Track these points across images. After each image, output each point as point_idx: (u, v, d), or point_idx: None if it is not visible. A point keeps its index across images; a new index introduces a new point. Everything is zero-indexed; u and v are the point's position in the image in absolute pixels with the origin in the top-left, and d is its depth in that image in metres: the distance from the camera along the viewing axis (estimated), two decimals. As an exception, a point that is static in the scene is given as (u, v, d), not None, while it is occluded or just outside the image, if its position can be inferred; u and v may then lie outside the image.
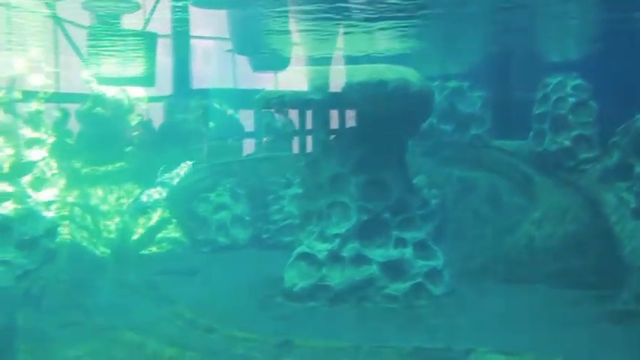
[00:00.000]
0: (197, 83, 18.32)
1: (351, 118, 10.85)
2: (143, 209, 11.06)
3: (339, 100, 10.58)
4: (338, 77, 10.51)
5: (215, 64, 20.69)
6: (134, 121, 15.41)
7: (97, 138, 14.42)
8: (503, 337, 8.23)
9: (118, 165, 14.68)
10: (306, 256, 10.60)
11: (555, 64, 13.70)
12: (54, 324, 8.99)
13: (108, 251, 12.78)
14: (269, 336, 8.57)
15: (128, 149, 15.19)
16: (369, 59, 14.55)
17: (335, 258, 10.36)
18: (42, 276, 10.59)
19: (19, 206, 11.12)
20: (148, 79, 14.32)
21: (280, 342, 8.40)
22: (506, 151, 13.92)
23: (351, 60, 14.95)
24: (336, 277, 10.25)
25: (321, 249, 10.49)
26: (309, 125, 11.49)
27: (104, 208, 13.95)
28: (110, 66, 13.72)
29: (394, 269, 10.30)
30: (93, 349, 8.15)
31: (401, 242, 10.51)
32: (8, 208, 10.98)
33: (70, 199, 12.90)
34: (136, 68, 13.80)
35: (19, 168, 11.61)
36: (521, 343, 7.74)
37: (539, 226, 11.65)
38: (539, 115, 12.88)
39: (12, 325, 8.87)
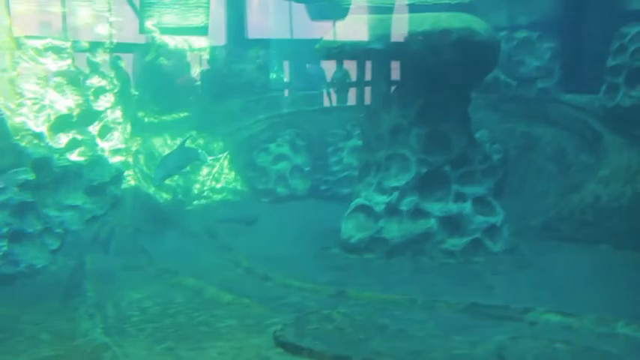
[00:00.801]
0: (255, 33, 18.12)
1: (412, 69, 10.48)
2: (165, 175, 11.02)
3: (400, 50, 10.22)
4: (400, 26, 10.13)
5: (273, 13, 20.36)
6: (196, 70, 15.49)
7: (160, 87, 14.57)
8: (562, 297, 7.91)
9: (180, 114, 14.85)
10: (363, 208, 10.49)
11: (634, 11, 12.79)
12: (119, 267, 9.33)
13: (169, 198, 13.04)
14: (324, 286, 8.63)
15: (190, 98, 15.33)
16: (433, 7, 13.98)
17: (393, 211, 10.20)
18: (109, 221, 10.93)
19: (88, 153, 11.46)
20: (204, 29, 14.31)
21: (335, 292, 8.43)
22: (574, 106, 13.22)
23: (413, 8, 14.42)
24: (393, 230, 10.12)
25: (379, 201, 10.35)
26: (369, 76, 11.21)
27: (167, 156, 14.20)
28: (171, 16, 13.76)
29: (452, 224, 10.08)
30: (155, 292, 8.39)
31: (460, 197, 10.23)
32: (78, 154, 11.33)
33: (134, 148, 13.16)
34: (194, 18, 13.78)
35: (87, 116, 11.91)
36: (581, 305, 7.45)
37: (607, 185, 11.10)
38: (613, 68, 12.05)
39: (82, 267, 9.24)
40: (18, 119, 10.63)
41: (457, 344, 6.62)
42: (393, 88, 10.89)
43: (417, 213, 10.15)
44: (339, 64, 15.73)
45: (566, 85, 13.67)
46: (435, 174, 10.31)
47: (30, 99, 10.88)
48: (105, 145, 12.30)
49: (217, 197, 14.04)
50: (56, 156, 10.75)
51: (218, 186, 14.36)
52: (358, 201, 10.65)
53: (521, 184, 13.18)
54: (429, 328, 7.10)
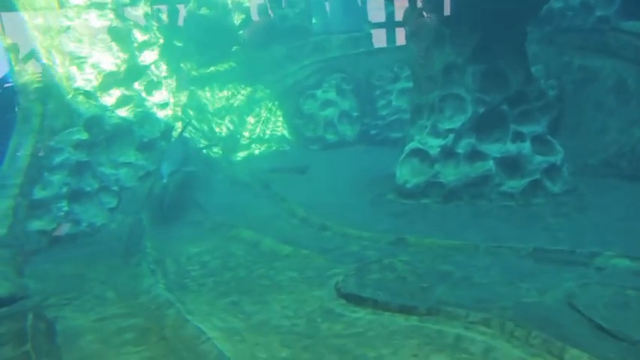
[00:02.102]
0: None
1: (466, 2, 9.85)
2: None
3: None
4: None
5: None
6: (239, 19, 15.10)
7: (203, 39, 14.28)
8: (627, 240, 7.45)
9: (225, 65, 14.58)
10: (418, 153, 10.13)
11: None
12: (175, 222, 9.31)
13: (220, 151, 12.94)
14: (382, 234, 8.41)
15: (234, 48, 15.01)
16: None
17: (448, 154, 9.82)
18: (162, 176, 10.90)
19: (137, 109, 11.36)
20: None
21: (394, 239, 8.21)
22: (636, 34, 12.33)
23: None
24: (450, 174, 9.77)
25: (434, 145, 9.97)
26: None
27: (214, 107, 14.03)
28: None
29: (511, 165, 9.64)
30: (212, 246, 8.36)
31: (519, 136, 9.76)
32: (128, 111, 11.24)
33: (182, 101, 13.02)
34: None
35: (134, 72, 11.75)
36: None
37: (672, 119, 10.44)
38: (680, -10, 11.16)
39: (139, 224, 9.26)
40: (67, 79, 10.56)
41: (525, 291, 6.36)
42: (445, 23, 10.28)
43: (474, 155, 9.75)
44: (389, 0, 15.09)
45: (627, 11, 12.73)
46: (492, 114, 9.81)
47: (77, 57, 10.76)
48: (152, 100, 12.17)
49: (266, 147, 13.86)
50: (107, 114, 10.70)
51: (266, 135, 14.17)
52: (412, 145, 10.28)
53: (579, 121, 12.52)
54: (494, 275, 6.84)
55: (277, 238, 8.37)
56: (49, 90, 10.33)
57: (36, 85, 10.34)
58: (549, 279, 6.64)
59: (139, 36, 12.10)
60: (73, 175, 9.75)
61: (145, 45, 12.19)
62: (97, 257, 8.23)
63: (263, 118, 14.35)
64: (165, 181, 9.88)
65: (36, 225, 9.06)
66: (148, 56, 12.23)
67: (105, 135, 10.60)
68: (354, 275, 6.97)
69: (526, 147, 9.68)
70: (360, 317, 6.07)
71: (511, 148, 9.67)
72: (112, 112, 10.91)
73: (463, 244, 7.75)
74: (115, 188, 10.34)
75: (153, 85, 12.28)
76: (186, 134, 12.07)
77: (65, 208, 9.36)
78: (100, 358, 5.21)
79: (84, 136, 10.13)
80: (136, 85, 11.85)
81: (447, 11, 10.20)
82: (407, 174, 10.08)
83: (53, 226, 9.14)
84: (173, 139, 11.54)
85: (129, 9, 12.12)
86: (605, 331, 5.48)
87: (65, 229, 8.90)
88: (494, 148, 9.73)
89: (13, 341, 5.30)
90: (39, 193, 9.30)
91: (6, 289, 6.78)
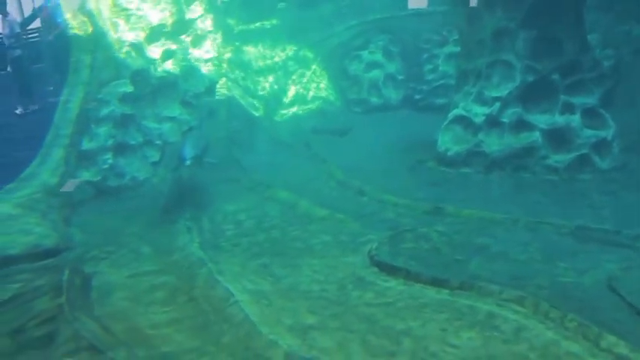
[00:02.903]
0: None
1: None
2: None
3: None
4: None
5: None
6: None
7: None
8: None
9: (271, 21, 14.27)
10: (461, 120, 9.78)
11: None
12: (213, 180, 9.25)
13: (263, 109, 12.78)
14: (420, 202, 8.19)
15: (281, 5, 14.66)
16: None
17: (493, 123, 9.44)
18: (204, 132, 10.85)
19: (182, 64, 11.26)
20: None
21: (431, 208, 7.98)
22: None
23: None
24: (494, 144, 9.40)
25: (479, 112, 9.58)
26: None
27: (258, 65, 13.82)
28: None
29: (558, 138, 9.21)
30: (248, 205, 8.29)
31: (568, 108, 9.27)
32: (173, 65, 11.15)
33: (226, 57, 12.85)
34: None
35: (180, 26, 11.60)
36: None
37: None
38: None
39: (179, 180, 9.25)
40: (115, 31, 10.49)
41: (563, 271, 6.08)
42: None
43: (520, 125, 9.34)
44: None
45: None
46: (541, 83, 9.34)
47: (125, 10, 10.67)
48: (197, 55, 12.04)
49: (308, 107, 13.63)
50: (152, 67, 10.63)
51: (309, 96, 13.92)
52: (456, 112, 9.92)
53: (635, 94, 11.84)
54: (532, 252, 6.56)
55: (314, 201, 8.25)
56: (98, 41, 10.28)
57: (86, 36, 10.31)
58: (590, 259, 6.33)
59: (186, -10, 11.92)
60: (118, 128, 9.76)
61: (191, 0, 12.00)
62: (138, 211, 8.27)
63: (307, 78, 14.08)
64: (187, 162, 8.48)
65: (84, 176, 9.14)
66: (195, 10, 12.04)
67: (150, 88, 10.55)
68: (387, 243, 6.80)
69: (575, 119, 9.20)
70: (391, 287, 5.92)
71: (559, 120, 9.21)
72: (158, 65, 10.84)
73: (502, 218, 7.46)
74: (158, 142, 10.33)
75: (198, 40, 12.13)
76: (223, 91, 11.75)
77: (110, 161, 9.40)
78: (128, 316, 5.23)
79: (130, 88, 10.10)
80: (183, 39, 11.72)
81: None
82: (449, 141, 9.75)
83: (99, 177, 9.21)
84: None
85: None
86: (646, 318, 5.20)
87: (72, 185, 8.88)
88: (542, 119, 9.28)
89: (50, 293, 5.36)
90: (87, 145, 9.36)
91: (52, 240, 6.87)
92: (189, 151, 8.47)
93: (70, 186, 8.34)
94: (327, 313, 5.32)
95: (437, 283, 5.88)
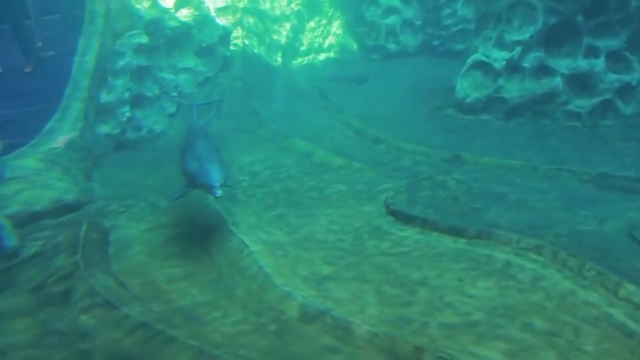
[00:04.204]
0: None
1: None
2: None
3: None
4: None
5: None
6: None
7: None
8: None
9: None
10: (481, 65, 9.41)
11: None
12: (230, 130, 9.11)
13: (278, 58, 12.47)
14: (437, 149, 7.99)
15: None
16: None
17: (514, 68, 9.07)
18: (220, 83, 10.66)
19: (196, 13, 10.96)
20: None
21: (449, 156, 7.79)
22: None
23: None
24: (514, 89, 9.07)
25: (499, 57, 9.21)
26: None
27: (274, 13, 13.42)
28: None
29: (581, 83, 8.84)
30: (264, 156, 8.16)
31: (592, 51, 8.86)
32: (187, 14, 10.86)
33: (240, 5, 12.46)
34: None
35: (193, -26, 11.24)
36: None
37: None
38: None
39: (195, 129, 9.12)
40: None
41: (583, 219, 5.91)
42: None
43: (542, 70, 8.96)
44: None
45: None
46: (564, 25, 8.89)
47: (137, -42, 10.33)
48: (211, 4, 11.69)
49: (325, 55, 13.28)
50: (166, 16, 10.36)
51: (326, 44, 13.54)
52: (475, 57, 9.54)
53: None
54: (552, 200, 6.38)
55: (330, 150, 8.09)
56: (110, -9, 10.01)
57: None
58: (611, 207, 6.14)
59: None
60: (135, 80, 9.59)
61: (204, -55, 11.58)
62: (156, 164, 8.19)
63: (323, 25, 13.67)
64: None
65: (103, 129, 9.06)
66: (207, -42, 11.64)
67: (164, 39, 10.31)
68: (404, 192, 6.67)
69: (599, 63, 8.80)
70: (408, 236, 5.82)
71: (582, 64, 8.81)
72: (172, 15, 10.55)
73: (521, 165, 7.26)
74: (174, 94, 10.16)
75: (212, -12, 11.77)
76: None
77: (128, 114, 9.27)
78: (145, 270, 5.20)
79: (144, 39, 9.87)
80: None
81: None
82: (468, 88, 9.43)
83: (118, 130, 9.12)
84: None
85: None
86: (667, 266, 5.03)
87: (64, 141, 8.73)
88: (564, 64, 8.89)
89: (67, 250, 5.35)
90: (105, 97, 9.22)
91: (73, 194, 6.86)
92: (217, 178, 5.58)
93: (61, 142, 8.22)
94: (342, 263, 5.25)
95: (454, 231, 5.75)
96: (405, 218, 6.09)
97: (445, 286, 4.93)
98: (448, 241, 5.63)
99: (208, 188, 5.34)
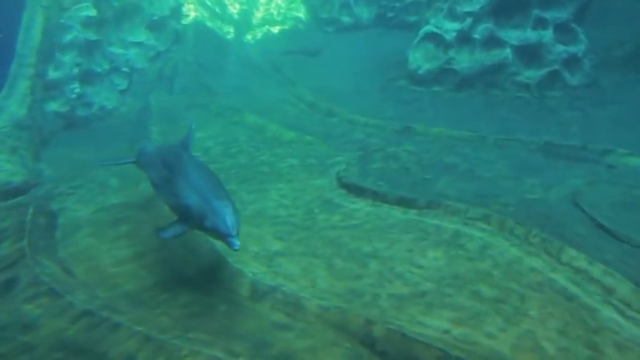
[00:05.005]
0: None
1: None
2: None
3: None
4: None
5: None
6: None
7: None
8: None
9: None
10: (433, 37, 9.37)
11: None
12: (182, 105, 8.85)
13: (232, 31, 12.16)
14: (389, 121, 7.95)
15: None
16: None
17: (464, 39, 9.06)
18: (172, 57, 10.34)
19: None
20: None
21: (400, 128, 7.75)
22: None
23: None
24: (464, 61, 9.07)
25: (450, 29, 9.17)
26: None
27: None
28: None
29: (529, 54, 8.88)
30: (216, 132, 7.97)
31: (541, 23, 8.89)
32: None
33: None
34: None
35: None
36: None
37: None
38: None
39: (147, 108, 8.85)
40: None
41: (529, 187, 5.96)
42: None
43: (491, 42, 8.97)
44: None
45: None
46: (514, -4, 8.90)
47: None
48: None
49: (279, 28, 13.00)
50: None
51: (280, 16, 13.25)
52: (427, 29, 9.48)
53: (609, 7, 11.36)
54: (500, 169, 6.43)
55: (282, 124, 7.95)
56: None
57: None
58: (557, 175, 6.21)
59: None
60: (84, 55, 9.22)
61: None
62: (107, 142, 7.92)
63: (276, -2, 13.38)
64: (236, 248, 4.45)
65: (52, 106, 8.71)
66: None
67: (113, 11, 9.91)
68: (356, 164, 6.61)
69: (547, 35, 8.84)
70: (359, 209, 5.76)
71: (531, 35, 8.84)
72: (119, -14, 10.14)
73: (471, 135, 7.28)
74: (125, 69, 9.82)
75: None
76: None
77: (77, 90, 8.93)
78: (92, 254, 4.99)
79: (92, 12, 9.46)
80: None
81: None
82: (420, 59, 9.39)
83: (67, 108, 8.77)
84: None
85: None
86: (607, 231, 5.12)
87: None
88: (513, 35, 8.91)
89: (13, 236, 5.10)
90: (52, 74, 8.85)
91: (20, 177, 6.57)
92: (233, 223, 4.22)
93: None
94: (293, 238, 5.17)
95: (404, 203, 5.73)
96: (356, 191, 6.04)
97: (395, 258, 4.90)
98: (398, 213, 5.60)
99: (222, 236, 4.10)
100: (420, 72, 9.31)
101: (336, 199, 5.95)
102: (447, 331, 4.09)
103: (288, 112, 8.54)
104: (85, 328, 3.94)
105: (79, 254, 4.99)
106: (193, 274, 4.68)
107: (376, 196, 5.91)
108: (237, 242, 4.01)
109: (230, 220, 4.10)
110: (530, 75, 8.81)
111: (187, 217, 4.29)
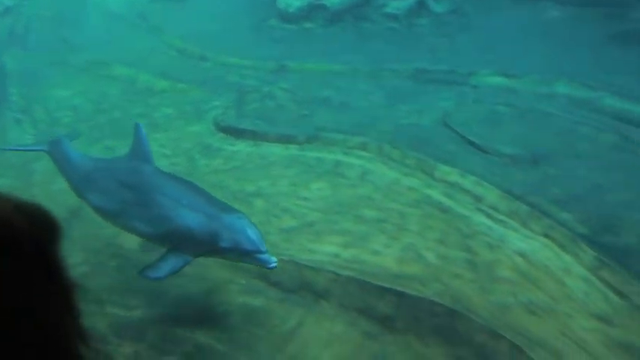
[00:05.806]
0: None
1: None
2: None
3: None
4: None
5: None
6: None
7: None
8: (507, 59, 7.16)
9: None
10: (300, -26, 9.20)
11: None
12: (41, 63, 8.14)
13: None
14: (263, 61, 7.83)
15: None
16: None
17: (332, -25, 8.99)
18: (24, 12, 9.46)
19: None
20: None
21: (274, 67, 7.69)
22: None
23: None
24: (333, -4, 9.04)
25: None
26: None
27: None
28: None
29: (394, -16, 9.00)
30: (84, 88, 7.46)
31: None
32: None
33: None
34: None
35: None
36: (525, 66, 6.83)
37: None
38: None
39: (2, 69, 8.06)
40: None
41: (404, 114, 6.19)
42: None
43: (358, -26, 8.99)
44: None
45: None
46: None
47: None
48: None
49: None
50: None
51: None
52: (293, -33, 9.30)
53: None
54: (375, 99, 6.60)
55: (154, 73, 7.60)
56: None
57: None
58: (428, 100, 6.47)
59: None
60: None
61: None
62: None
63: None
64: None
65: None
66: None
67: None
68: (233, 107, 6.50)
69: (410, -37, 8.98)
70: (239, 150, 5.72)
71: (396, -35, 8.95)
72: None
73: (344, 68, 7.35)
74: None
75: None
76: None
77: None
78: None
79: None
80: None
81: None
82: (289, -3, 9.23)
83: None
84: None
85: None
86: (475, 146, 5.46)
87: None
88: (379, -34, 8.98)
89: None
90: None
91: None
92: (260, 238, 3.50)
93: None
94: (175, 186, 5.02)
95: (284, 139, 5.75)
96: (235, 133, 5.97)
97: (280, 193, 4.94)
98: (279, 150, 5.62)
99: (248, 255, 3.38)
100: (291, 10, 9.18)
101: (215, 144, 5.86)
102: (336, 255, 4.23)
103: (159, 61, 8.13)
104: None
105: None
106: (79, 234, 4.46)
107: (256, 136, 5.88)
108: (274, 258, 3.38)
109: (253, 232, 3.38)
110: (398, 5, 8.95)
111: (189, 243, 3.48)
